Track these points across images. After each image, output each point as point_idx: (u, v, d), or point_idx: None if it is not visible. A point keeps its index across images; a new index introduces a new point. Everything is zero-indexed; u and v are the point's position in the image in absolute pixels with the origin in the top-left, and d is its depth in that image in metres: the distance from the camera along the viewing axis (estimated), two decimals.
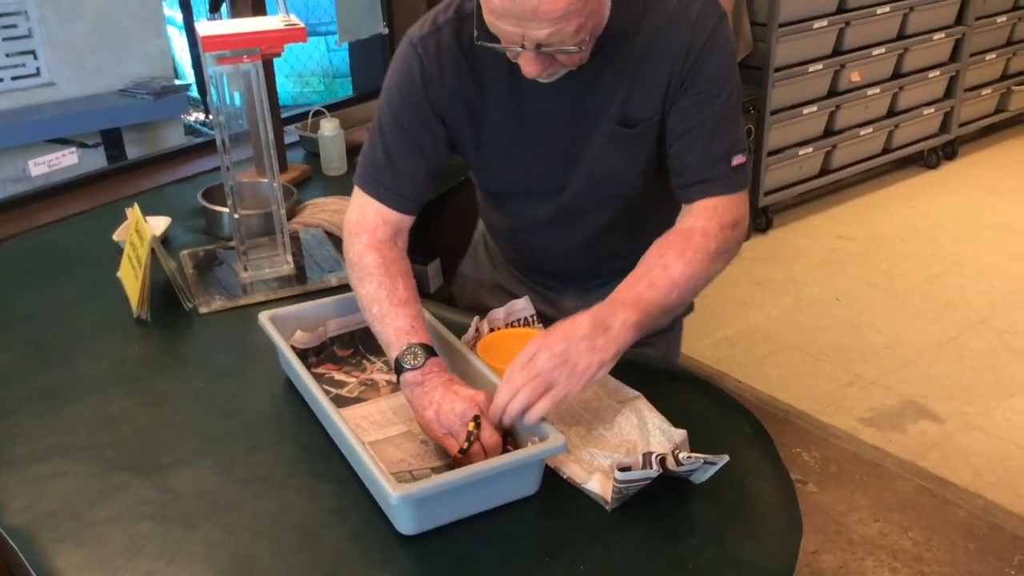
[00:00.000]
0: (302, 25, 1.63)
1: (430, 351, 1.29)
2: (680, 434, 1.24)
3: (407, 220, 1.46)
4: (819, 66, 3.96)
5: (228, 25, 1.65)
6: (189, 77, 5.17)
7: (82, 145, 4.16)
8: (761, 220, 4.05)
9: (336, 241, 1.90)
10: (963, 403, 2.91)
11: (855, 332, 3.32)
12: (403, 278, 1.38)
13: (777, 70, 3.80)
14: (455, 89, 1.38)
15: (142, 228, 1.61)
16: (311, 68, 5.48)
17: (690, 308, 1.72)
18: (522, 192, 1.51)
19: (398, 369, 1.28)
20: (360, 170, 1.46)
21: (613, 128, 1.38)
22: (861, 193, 4.44)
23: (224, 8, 2.11)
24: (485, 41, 1.26)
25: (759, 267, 3.78)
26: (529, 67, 1.25)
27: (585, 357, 1.19)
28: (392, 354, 1.30)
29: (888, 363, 3.13)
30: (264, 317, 1.45)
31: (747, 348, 3.24)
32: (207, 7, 2.19)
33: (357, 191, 1.46)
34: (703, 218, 1.34)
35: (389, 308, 1.34)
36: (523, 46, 1.20)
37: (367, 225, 1.43)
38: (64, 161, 2.46)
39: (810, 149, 4.10)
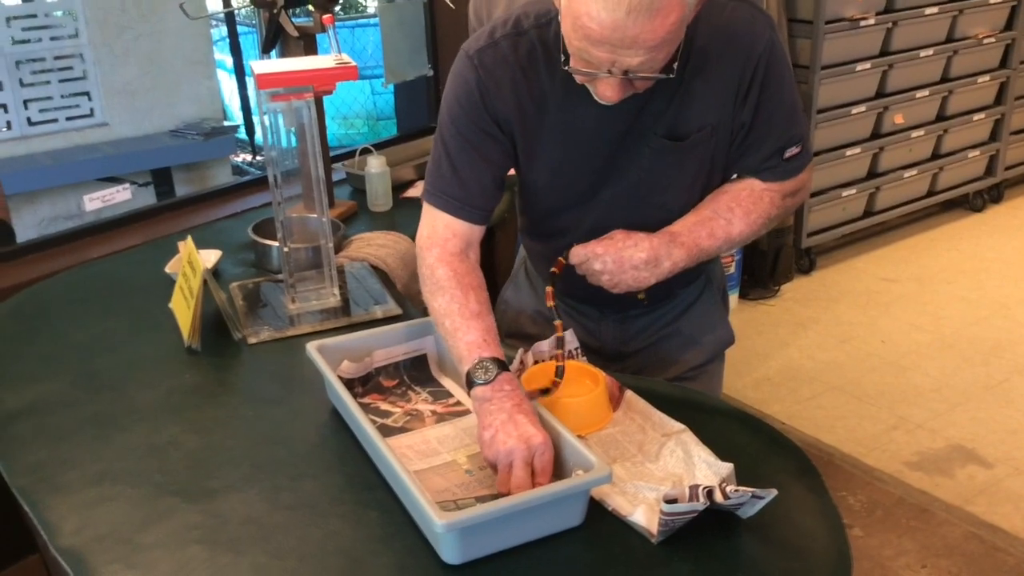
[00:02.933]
0: (353, 64, 1.67)
1: (502, 365, 1.29)
2: (727, 467, 1.23)
3: (477, 231, 1.47)
4: (862, 108, 3.96)
5: (282, 63, 1.69)
6: (238, 119, 5.28)
7: (133, 183, 4.27)
8: (804, 261, 4.02)
9: (381, 275, 1.93)
10: (1012, 448, 2.85)
11: (901, 375, 3.27)
12: (475, 291, 1.39)
13: (820, 111, 3.80)
14: (510, 101, 1.40)
15: (195, 259, 1.64)
16: (356, 110, 5.58)
17: (731, 339, 1.72)
18: (569, 206, 1.52)
19: (469, 383, 1.29)
20: (427, 185, 1.48)
21: (662, 142, 1.41)
22: (906, 235, 4.39)
23: (275, 50, 2.17)
24: (569, 66, 1.26)
25: (802, 308, 3.75)
26: (610, 92, 1.25)
27: (628, 281, 1.40)
28: (463, 368, 1.31)
29: (935, 406, 3.07)
30: (312, 347, 1.46)
31: (791, 389, 3.20)
32: (258, 50, 2.25)
33: (426, 207, 1.48)
34: (772, 187, 1.46)
35: (461, 322, 1.35)
36: (611, 71, 1.21)
37: (437, 239, 1.45)
38: (118, 197, 2.52)
39: (854, 191, 4.08)
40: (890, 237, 4.37)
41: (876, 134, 4.10)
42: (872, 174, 4.16)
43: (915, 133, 4.21)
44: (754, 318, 3.70)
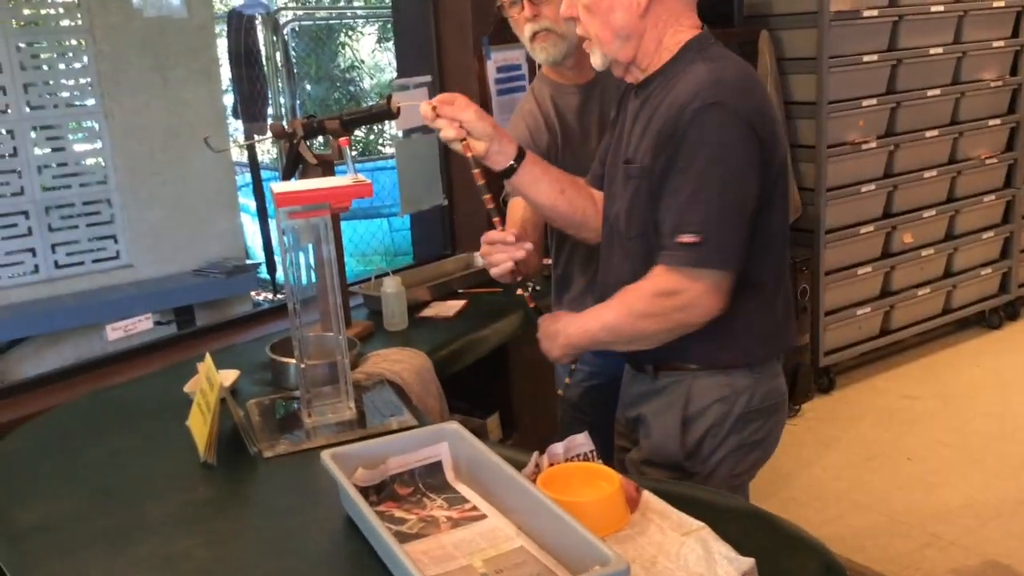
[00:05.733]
0: (368, 182, 1.74)
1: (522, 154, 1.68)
2: (748, 562, 1.21)
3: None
4: (870, 228, 4.02)
5: (300, 184, 1.76)
6: (260, 259, 5.40)
7: (157, 323, 4.33)
8: (823, 380, 4.00)
9: (397, 389, 1.94)
10: None
11: (929, 492, 3.20)
12: None
13: (828, 232, 3.86)
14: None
15: (212, 375, 1.66)
16: (375, 247, 5.72)
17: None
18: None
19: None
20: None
21: (623, 167, 1.60)
22: (925, 353, 4.38)
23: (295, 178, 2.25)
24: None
25: (825, 427, 3.70)
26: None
27: (544, 347, 1.75)
28: None
29: (967, 523, 2.99)
30: (326, 455, 1.46)
31: (817, 509, 3.13)
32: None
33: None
34: (647, 280, 1.55)
35: None
36: None
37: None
38: (139, 327, 2.57)
39: (868, 309, 4.09)
40: (909, 355, 4.35)
41: (886, 253, 4.15)
42: (885, 292, 4.19)
43: (925, 252, 4.26)
44: None
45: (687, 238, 1.48)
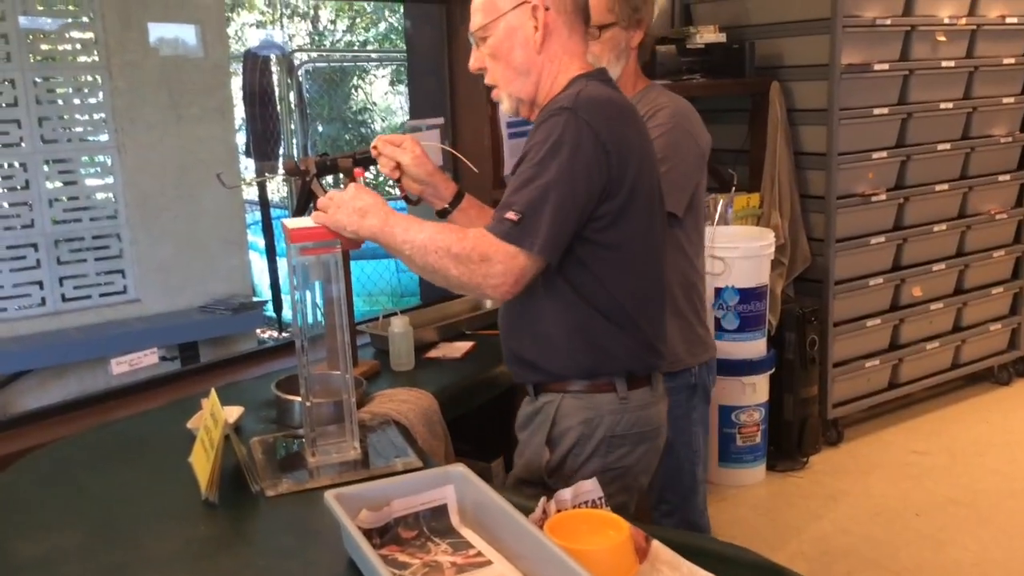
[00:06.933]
0: None
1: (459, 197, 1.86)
2: None
3: None
4: (879, 280, 4.01)
5: (311, 220, 1.76)
6: (267, 297, 5.40)
7: (162, 359, 4.32)
8: (832, 433, 3.96)
9: (403, 430, 1.92)
10: None
11: (939, 549, 3.15)
12: None
13: (837, 283, 3.85)
14: None
15: (217, 412, 1.65)
16: (381, 287, 5.71)
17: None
18: None
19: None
20: None
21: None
22: (934, 408, 4.34)
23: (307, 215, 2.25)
24: None
25: (832, 480, 3.66)
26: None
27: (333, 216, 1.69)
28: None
29: None
30: (330, 496, 1.44)
31: (825, 564, 3.07)
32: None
33: None
34: (474, 235, 1.58)
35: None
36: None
37: None
38: (144, 361, 2.56)
39: (876, 362, 4.06)
40: (917, 410, 4.32)
41: (895, 306, 4.13)
42: (894, 345, 4.16)
43: (934, 305, 4.24)
44: (783, 490, 3.61)
45: (510, 214, 1.57)
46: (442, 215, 1.92)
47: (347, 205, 1.67)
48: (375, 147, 1.88)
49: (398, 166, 1.87)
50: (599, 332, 1.71)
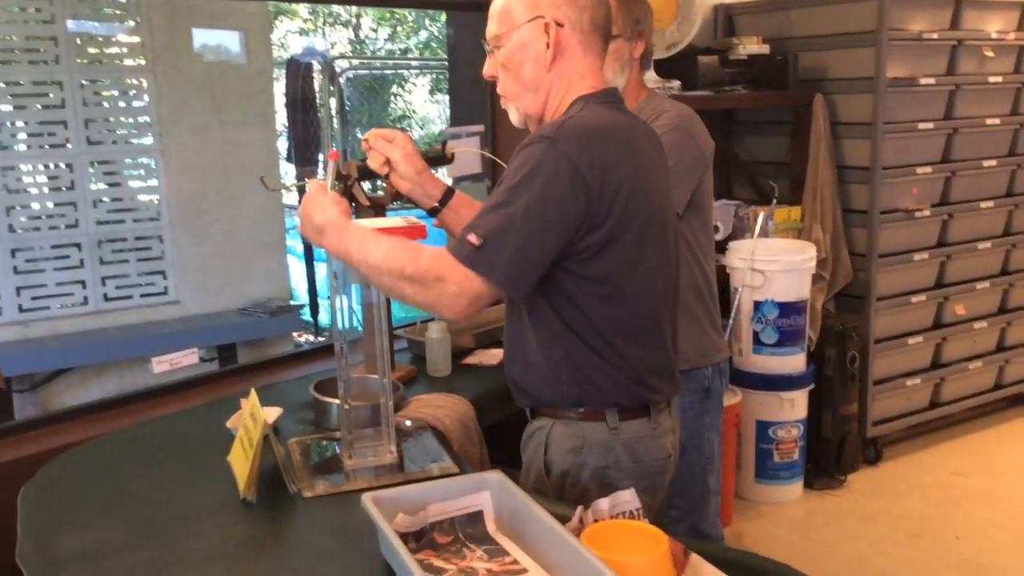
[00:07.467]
0: (422, 224, 1.74)
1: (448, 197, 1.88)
2: None
3: None
4: (922, 297, 3.95)
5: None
6: (303, 300, 5.44)
7: (201, 360, 4.36)
8: (871, 452, 3.90)
9: (439, 435, 1.92)
10: None
11: (979, 573, 3.08)
12: None
13: (879, 299, 3.80)
14: None
15: (257, 412, 1.65)
16: None
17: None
18: None
19: None
20: None
21: None
22: (976, 429, 4.26)
23: None
24: None
25: (870, 501, 3.60)
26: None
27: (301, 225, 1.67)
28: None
29: None
30: (367, 498, 1.44)
31: None
32: None
33: None
34: (430, 254, 1.53)
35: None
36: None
37: None
38: (185, 361, 2.58)
39: (918, 380, 4.00)
40: (958, 430, 4.24)
41: (938, 324, 4.06)
42: (936, 364, 4.09)
43: (977, 324, 4.17)
44: (820, 508, 3.56)
45: (472, 238, 1.52)
46: (432, 214, 1.91)
47: (307, 221, 1.65)
48: (366, 140, 1.85)
49: (388, 162, 1.85)
50: (584, 363, 1.65)
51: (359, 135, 8.15)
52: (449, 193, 1.89)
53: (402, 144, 1.85)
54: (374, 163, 1.86)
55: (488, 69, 1.74)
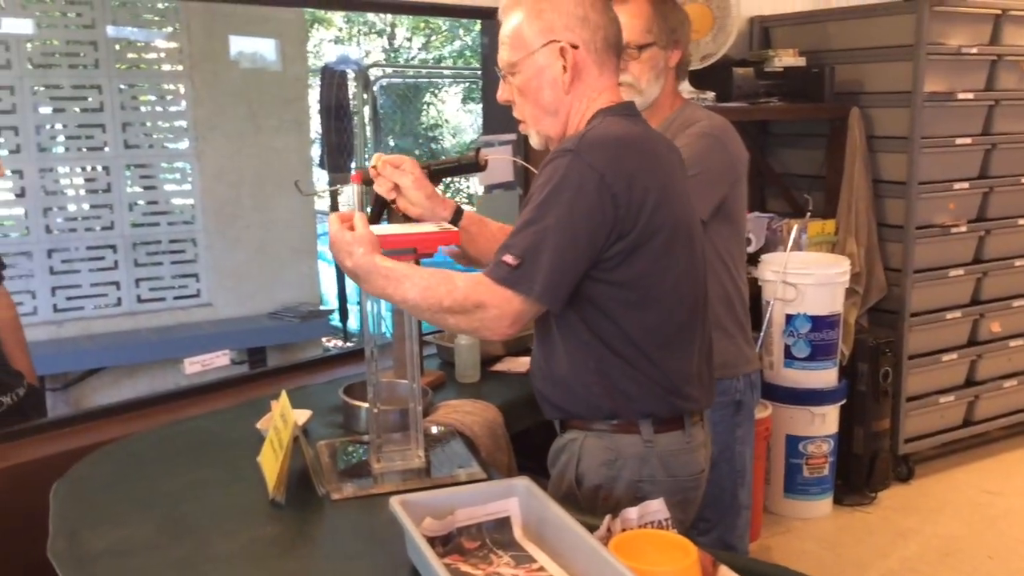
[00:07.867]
0: (455, 230, 1.74)
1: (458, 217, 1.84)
2: None
3: None
4: (957, 314, 3.90)
5: (387, 228, 1.77)
6: (332, 306, 5.46)
7: (232, 362, 4.40)
8: (902, 469, 3.85)
9: (467, 441, 1.92)
10: None
11: None
12: None
13: (913, 315, 3.75)
14: None
15: (287, 413, 1.66)
16: None
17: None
18: None
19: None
20: None
21: None
22: (1009, 448, 4.19)
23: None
24: None
25: (902, 518, 3.55)
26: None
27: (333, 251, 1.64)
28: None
29: None
30: (395, 502, 1.44)
31: None
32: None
33: None
34: (466, 283, 1.55)
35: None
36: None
37: None
38: (216, 362, 2.60)
39: (951, 398, 3.94)
40: (992, 449, 4.17)
41: (973, 341, 4.00)
42: (970, 382, 4.03)
43: (1013, 342, 4.10)
44: (850, 525, 3.51)
45: (508, 259, 1.53)
46: None
47: (340, 264, 1.65)
48: (374, 167, 1.81)
49: (395, 187, 1.81)
50: (616, 373, 1.65)
51: (391, 143, 8.20)
52: (459, 213, 1.87)
53: (411, 169, 1.81)
54: (381, 189, 1.82)
55: (503, 94, 1.74)
